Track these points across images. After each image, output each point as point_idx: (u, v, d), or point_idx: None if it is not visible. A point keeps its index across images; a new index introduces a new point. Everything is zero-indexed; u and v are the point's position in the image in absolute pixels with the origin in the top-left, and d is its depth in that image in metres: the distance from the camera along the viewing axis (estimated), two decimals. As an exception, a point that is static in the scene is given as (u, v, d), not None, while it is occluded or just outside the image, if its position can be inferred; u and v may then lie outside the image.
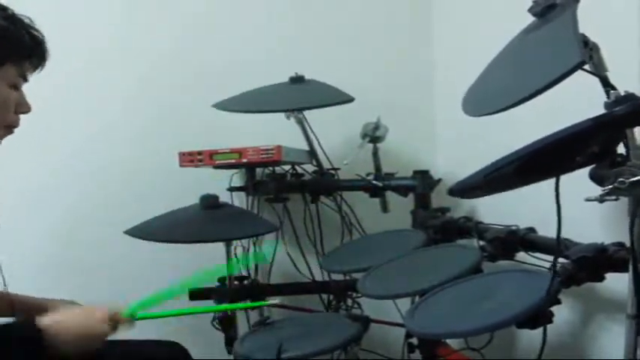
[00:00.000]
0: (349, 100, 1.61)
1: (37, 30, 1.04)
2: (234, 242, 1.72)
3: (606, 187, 0.75)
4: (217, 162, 1.58)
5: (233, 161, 1.56)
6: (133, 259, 1.82)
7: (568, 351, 1.37)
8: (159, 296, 1.14)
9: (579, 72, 0.75)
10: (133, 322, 1.10)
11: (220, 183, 1.79)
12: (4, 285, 1.15)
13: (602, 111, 0.79)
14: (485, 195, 0.99)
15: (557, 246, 0.90)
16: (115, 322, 1.06)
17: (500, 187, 0.94)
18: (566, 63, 0.73)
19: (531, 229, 1.25)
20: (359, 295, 1.59)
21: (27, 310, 1.16)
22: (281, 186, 1.73)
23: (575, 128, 0.70)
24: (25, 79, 1.05)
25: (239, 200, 1.82)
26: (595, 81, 0.84)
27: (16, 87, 1.03)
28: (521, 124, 1.20)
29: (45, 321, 0.97)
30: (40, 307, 1.14)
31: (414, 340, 1.46)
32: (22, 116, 1.07)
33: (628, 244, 0.84)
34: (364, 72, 1.92)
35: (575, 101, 0.99)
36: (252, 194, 1.79)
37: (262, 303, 1.55)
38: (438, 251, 1.37)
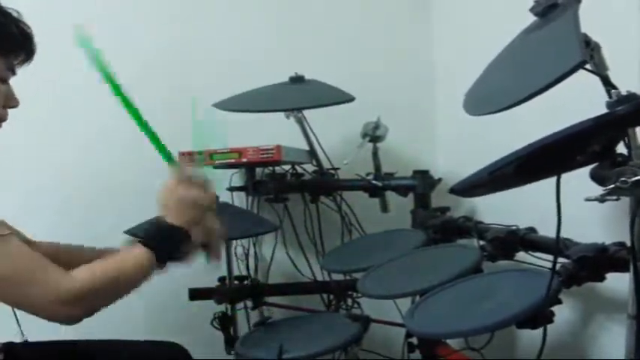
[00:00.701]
0: (349, 99, 1.61)
1: (24, 23, 1.04)
2: (234, 242, 1.73)
3: (608, 187, 0.75)
4: (217, 162, 1.58)
5: (233, 161, 1.56)
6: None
7: (568, 351, 1.37)
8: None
9: (580, 71, 0.74)
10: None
11: (220, 183, 1.78)
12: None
13: (603, 110, 0.78)
14: (486, 194, 0.99)
15: (556, 245, 0.89)
16: (181, 176, 1.11)
17: (501, 186, 0.94)
18: (568, 62, 0.72)
19: (531, 229, 1.25)
20: (359, 295, 1.59)
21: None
22: (281, 186, 1.73)
23: (576, 128, 0.70)
24: (14, 73, 1.04)
25: (239, 200, 1.82)
26: (596, 80, 0.84)
27: (5, 80, 1.03)
28: (521, 124, 1.20)
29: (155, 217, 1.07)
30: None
31: (414, 340, 1.46)
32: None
33: (629, 243, 0.84)
34: (364, 72, 1.92)
35: (577, 101, 0.99)
36: (252, 194, 1.79)
37: None
38: (437, 251, 1.37)
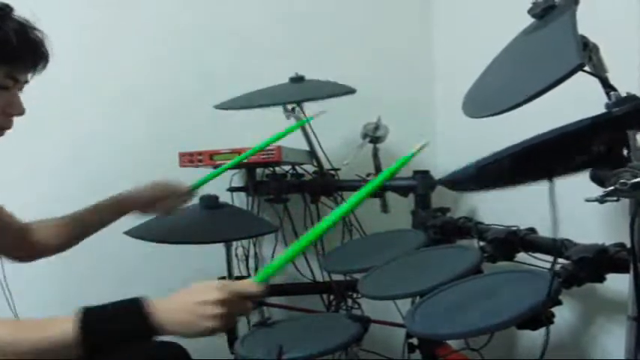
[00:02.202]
0: (351, 91, 1.60)
1: (34, 30, 1.01)
2: (234, 242, 1.73)
3: (607, 189, 0.75)
4: (217, 162, 1.58)
5: (233, 161, 1.56)
6: (133, 259, 1.82)
7: (568, 352, 1.37)
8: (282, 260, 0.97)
9: (580, 73, 0.75)
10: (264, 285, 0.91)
11: (220, 183, 1.78)
12: (6, 286, 1.16)
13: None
14: (477, 190, 0.98)
15: (553, 245, 0.89)
16: (237, 294, 0.87)
17: (493, 183, 0.93)
18: (566, 65, 0.72)
19: (531, 230, 1.25)
20: (359, 295, 1.59)
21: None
22: (281, 186, 1.73)
23: (573, 126, 0.70)
24: (17, 80, 1.01)
25: (239, 200, 1.82)
26: (597, 82, 0.84)
27: (5, 88, 0.99)
28: (521, 125, 1.19)
29: (151, 307, 0.84)
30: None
31: (414, 341, 1.46)
32: (21, 118, 1.06)
33: (629, 244, 0.84)
34: (364, 72, 1.92)
35: (577, 103, 0.99)
36: (253, 194, 1.79)
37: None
38: (438, 251, 1.37)
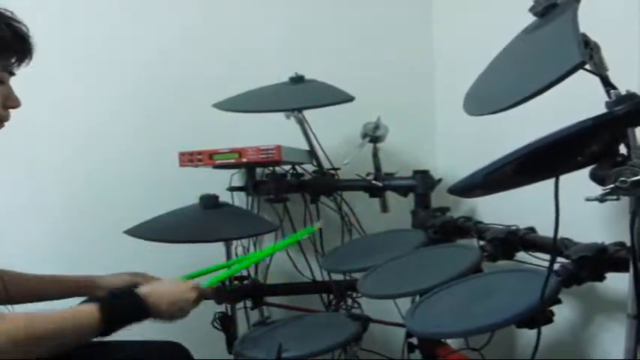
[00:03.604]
0: (350, 99, 1.61)
1: (20, 23, 1.03)
2: (234, 242, 1.72)
3: (607, 187, 0.75)
4: (217, 162, 1.57)
5: (233, 161, 1.56)
6: (133, 259, 1.81)
7: (568, 351, 1.37)
8: (233, 269, 1.41)
9: (580, 71, 0.75)
10: (213, 289, 1.35)
11: (220, 183, 1.79)
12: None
13: (603, 110, 0.78)
14: (485, 194, 0.99)
15: (553, 245, 0.89)
16: (199, 292, 1.19)
17: (500, 186, 0.94)
18: (567, 63, 0.73)
19: (531, 229, 1.25)
20: (359, 295, 1.59)
21: (95, 287, 1.30)
22: (281, 186, 1.73)
23: (575, 128, 0.70)
24: (11, 73, 1.04)
25: (239, 200, 1.82)
26: (596, 80, 0.84)
27: (2, 82, 1.03)
28: (521, 124, 1.20)
29: (143, 290, 1.11)
30: (109, 282, 1.31)
31: (414, 340, 1.46)
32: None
33: (628, 243, 0.84)
34: (364, 72, 1.92)
35: (577, 101, 0.99)
36: (252, 194, 1.79)
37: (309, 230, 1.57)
38: (437, 251, 1.37)
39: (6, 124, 1.07)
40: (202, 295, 1.20)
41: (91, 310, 1.00)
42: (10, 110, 1.06)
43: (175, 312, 1.13)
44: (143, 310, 1.08)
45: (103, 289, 1.27)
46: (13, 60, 1.03)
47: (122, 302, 1.07)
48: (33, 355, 0.91)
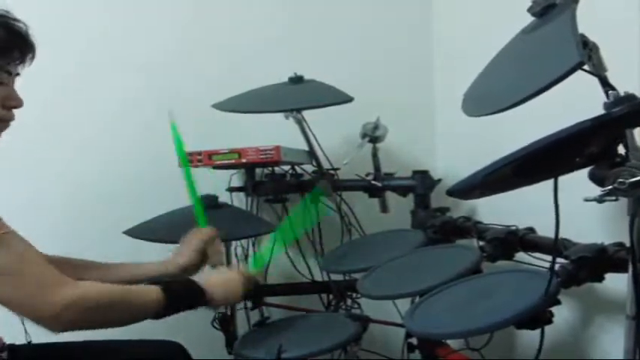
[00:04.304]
0: (349, 100, 1.61)
1: (17, 21, 1.02)
2: (234, 242, 1.72)
3: (606, 188, 0.75)
4: (217, 162, 1.57)
5: (232, 161, 1.56)
6: (132, 259, 1.81)
7: (568, 351, 1.37)
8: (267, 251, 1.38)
9: (579, 72, 0.75)
10: (260, 274, 1.37)
11: (220, 183, 1.78)
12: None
13: (601, 111, 0.78)
14: (485, 195, 0.99)
15: (554, 245, 0.90)
16: (247, 278, 1.22)
17: (499, 187, 0.94)
18: (566, 63, 0.73)
19: (531, 229, 1.25)
20: (358, 295, 1.59)
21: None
22: (280, 186, 1.73)
23: (573, 129, 0.70)
24: (10, 73, 1.03)
25: (238, 200, 1.82)
26: (595, 81, 0.84)
27: (1, 82, 1.01)
28: (520, 125, 1.20)
29: (201, 281, 1.15)
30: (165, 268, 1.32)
31: (414, 340, 1.46)
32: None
33: (628, 244, 0.84)
34: (364, 72, 1.92)
35: (575, 101, 0.99)
36: (252, 195, 1.79)
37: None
38: (437, 251, 1.37)
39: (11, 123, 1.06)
40: (250, 279, 1.24)
41: (157, 290, 1.06)
42: (14, 110, 1.05)
43: (228, 297, 1.19)
44: (201, 297, 1.13)
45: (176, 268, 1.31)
46: (12, 59, 1.02)
47: (184, 288, 1.12)
48: (97, 324, 1.00)
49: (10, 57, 1.02)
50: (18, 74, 1.06)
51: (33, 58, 1.06)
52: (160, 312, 1.07)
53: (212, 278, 1.19)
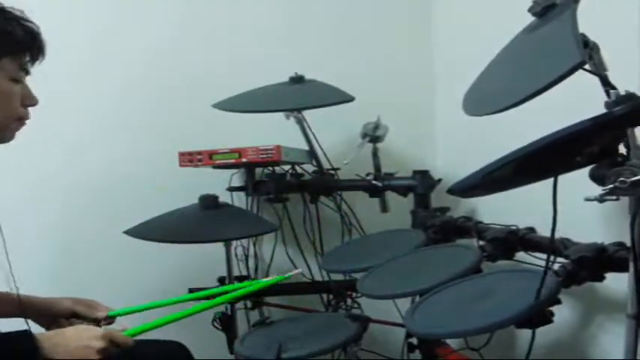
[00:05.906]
0: (349, 99, 1.61)
1: (30, 22, 1.04)
2: (234, 242, 1.73)
3: (607, 187, 0.75)
4: (217, 162, 1.58)
5: (232, 161, 1.56)
6: (133, 259, 1.82)
7: (568, 351, 1.37)
8: (156, 322, 1.12)
9: (580, 71, 0.75)
10: (131, 340, 1.08)
11: (220, 183, 1.79)
12: (15, 285, 1.16)
13: (602, 111, 0.78)
14: (485, 194, 0.99)
15: (550, 245, 0.90)
16: (111, 340, 1.03)
17: (499, 186, 0.94)
18: (566, 63, 0.72)
19: (531, 229, 1.25)
20: (358, 295, 1.59)
21: (35, 309, 1.21)
22: (281, 186, 1.73)
23: (574, 128, 0.70)
24: (27, 72, 1.05)
25: (239, 200, 1.82)
26: (595, 80, 0.84)
27: (18, 80, 1.03)
28: (521, 124, 1.20)
29: (41, 336, 1.00)
30: (49, 305, 1.22)
31: (414, 340, 1.46)
32: None
33: (628, 243, 0.84)
34: (364, 72, 1.92)
35: (576, 101, 0.99)
36: (252, 194, 1.79)
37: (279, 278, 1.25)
38: (437, 251, 1.37)
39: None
40: (113, 345, 1.04)
41: None
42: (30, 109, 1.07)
43: (74, 354, 0.99)
44: (32, 353, 0.97)
45: (40, 311, 1.21)
46: (26, 58, 1.04)
47: (14, 343, 0.99)
48: None
49: (27, 56, 1.04)
50: (29, 74, 1.07)
51: (43, 58, 1.07)
52: None
53: (59, 335, 1.02)
